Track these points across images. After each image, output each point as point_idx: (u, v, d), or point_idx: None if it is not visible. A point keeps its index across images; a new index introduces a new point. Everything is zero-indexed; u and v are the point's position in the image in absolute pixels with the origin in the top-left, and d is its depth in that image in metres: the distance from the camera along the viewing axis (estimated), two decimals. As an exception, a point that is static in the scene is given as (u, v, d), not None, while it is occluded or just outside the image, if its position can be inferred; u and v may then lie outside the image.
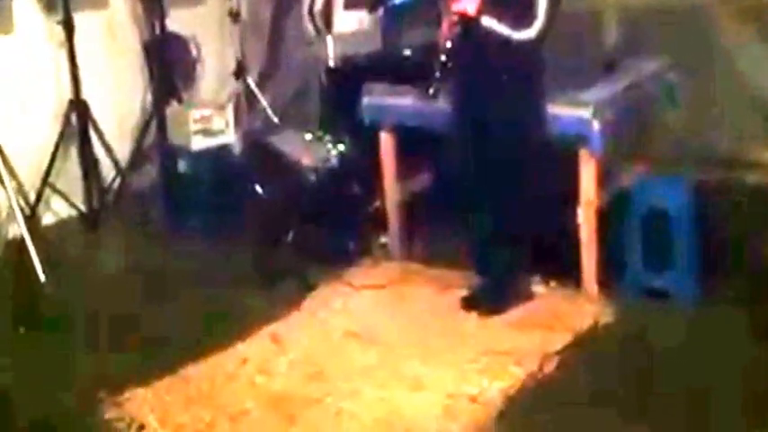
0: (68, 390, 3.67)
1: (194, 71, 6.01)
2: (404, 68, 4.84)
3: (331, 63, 5.06)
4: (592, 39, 5.25)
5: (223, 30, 6.17)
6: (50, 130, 5.25)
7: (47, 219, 5.33)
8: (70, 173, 5.32)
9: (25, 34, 5.18)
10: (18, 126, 5.12)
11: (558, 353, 3.75)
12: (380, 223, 4.79)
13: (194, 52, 5.95)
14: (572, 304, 4.14)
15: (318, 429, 3.41)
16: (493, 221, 4.10)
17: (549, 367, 3.67)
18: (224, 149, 5.32)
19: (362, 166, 4.81)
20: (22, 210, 4.93)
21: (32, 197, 5.19)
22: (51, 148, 5.19)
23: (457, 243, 4.44)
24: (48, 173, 5.18)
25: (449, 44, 3.90)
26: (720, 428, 3.25)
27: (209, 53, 6.12)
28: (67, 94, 5.21)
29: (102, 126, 5.32)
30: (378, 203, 4.83)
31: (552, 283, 4.30)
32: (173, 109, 5.46)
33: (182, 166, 5.26)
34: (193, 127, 5.21)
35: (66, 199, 5.32)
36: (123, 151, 5.59)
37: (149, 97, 5.73)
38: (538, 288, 4.28)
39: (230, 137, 5.35)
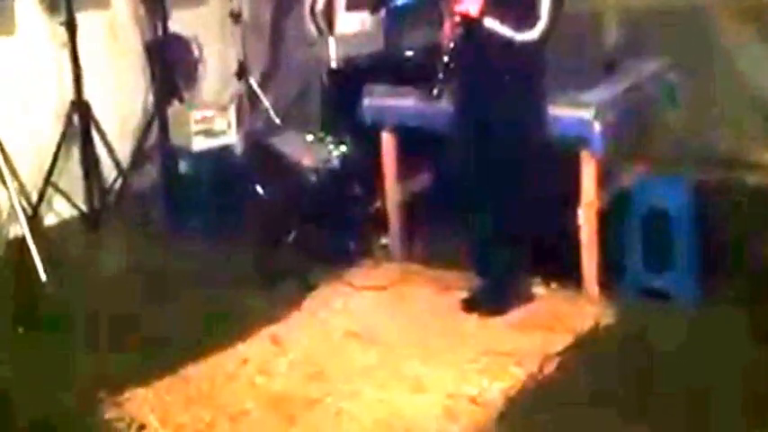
0: (69, 389, 3.67)
1: (196, 72, 6.01)
2: (406, 70, 4.84)
3: (333, 64, 5.08)
4: (592, 40, 5.25)
5: (225, 30, 6.17)
6: (52, 130, 5.26)
7: (48, 219, 5.34)
8: (72, 173, 5.33)
9: (27, 35, 5.19)
10: (20, 126, 5.13)
11: (558, 354, 3.75)
12: (381, 224, 4.78)
13: (196, 53, 5.95)
14: (572, 305, 4.14)
15: (318, 430, 3.41)
16: (493, 222, 4.09)
17: (550, 368, 3.67)
18: (225, 150, 5.32)
19: (363, 166, 4.82)
20: (23, 210, 4.94)
21: (34, 197, 5.21)
22: (53, 149, 5.20)
23: (457, 244, 4.44)
24: (50, 173, 5.19)
25: (451, 45, 3.90)
26: (720, 429, 3.25)
27: (211, 54, 6.12)
28: (69, 94, 5.22)
29: (103, 126, 5.33)
30: (378, 204, 4.83)
31: (553, 285, 4.29)
32: (174, 109, 5.46)
33: (183, 166, 5.26)
34: (195, 128, 5.21)
35: (68, 199, 5.33)
36: (125, 152, 5.61)
37: (151, 98, 5.74)
38: (538, 289, 4.28)
39: (232, 138, 5.35)
